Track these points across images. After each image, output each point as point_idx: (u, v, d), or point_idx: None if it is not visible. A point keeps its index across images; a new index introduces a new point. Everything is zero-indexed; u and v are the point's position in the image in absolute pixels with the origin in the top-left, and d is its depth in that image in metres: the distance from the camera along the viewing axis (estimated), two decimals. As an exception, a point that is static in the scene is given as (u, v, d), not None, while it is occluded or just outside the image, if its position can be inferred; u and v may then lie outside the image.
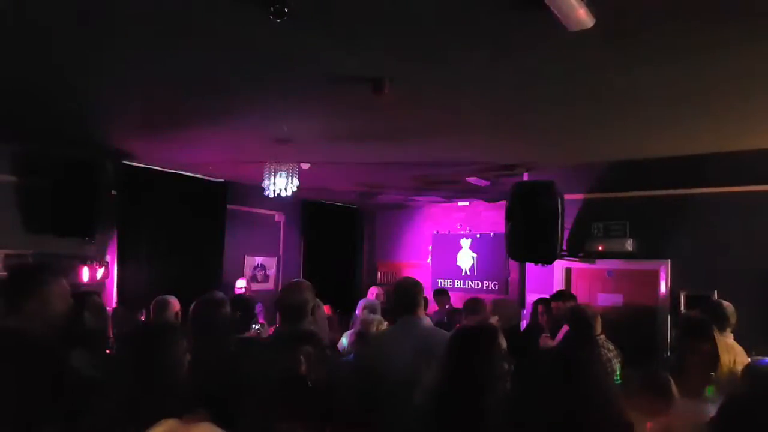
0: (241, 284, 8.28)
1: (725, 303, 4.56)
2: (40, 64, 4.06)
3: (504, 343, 2.87)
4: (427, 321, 3.75)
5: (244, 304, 5.31)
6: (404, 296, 3.80)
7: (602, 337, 4.66)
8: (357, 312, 5.48)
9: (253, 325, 5.14)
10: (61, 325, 2.73)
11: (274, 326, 6.42)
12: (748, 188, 6.09)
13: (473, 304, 6.19)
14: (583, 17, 2.92)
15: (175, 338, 2.42)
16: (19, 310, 2.62)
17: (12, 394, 2.37)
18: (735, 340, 4.39)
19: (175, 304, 4.77)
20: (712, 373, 3.38)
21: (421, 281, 3.98)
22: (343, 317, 7.84)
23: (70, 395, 2.42)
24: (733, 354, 4.09)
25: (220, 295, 3.91)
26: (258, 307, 6.63)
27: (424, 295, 3.91)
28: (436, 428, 2.65)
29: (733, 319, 4.46)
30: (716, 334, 3.55)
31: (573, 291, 6.82)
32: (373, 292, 8.02)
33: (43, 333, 2.64)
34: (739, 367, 3.96)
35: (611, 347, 4.58)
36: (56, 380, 2.47)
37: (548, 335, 5.60)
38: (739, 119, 4.97)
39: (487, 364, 2.72)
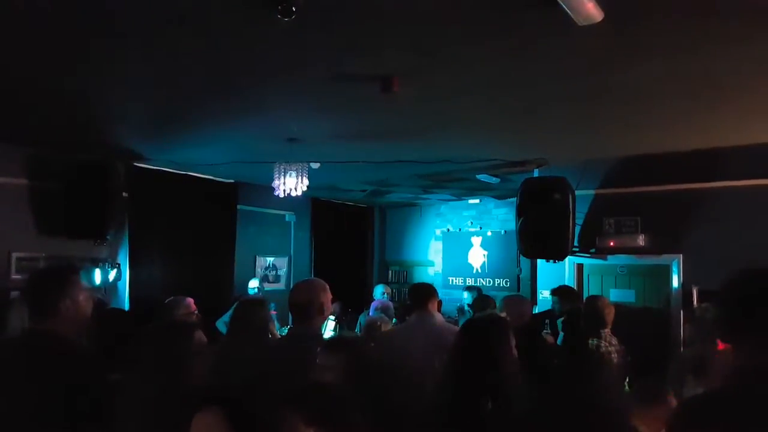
0: (254, 284, 8.29)
1: None
2: (50, 68, 4.09)
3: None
4: (439, 317, 3.83)
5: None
6: (417, 293, 3.92)
7: (606, 331, 4.66)
8: (370, 312, 5.49)
9: None
10: (87, 327, 2.75)
11: (289, 326, 6.41)
12: (760, 182, 6.04)
13: (482, 301, 6.20)
14: (592, 11, 2.91)
15: (186, 335, 2.42)
16: (53, 312, 2.62)
17: (48, 397, 2.39)
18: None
19: (189, 304, 4.76)
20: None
21: (428, 278, 4.09)
22: (354, 316, 7.84)
23: (101, 399, 2.43)
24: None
25: (260, 297, 3.95)
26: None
27: (439, 299, 4.02)
28: (448, 418, 2.70)
29: None
30: None
31: (585, 287, 6.80)
32: (379, 290, 8.03)
33: (76, 335, 2.66)
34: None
35: (614, 341, 4.59)
36: (89, 384, 2.48)
37: (549, 332, 5.56)
38: (751, 112, 4.93)
39: (499, 353, 2.81)
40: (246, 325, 3.67)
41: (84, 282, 2.80)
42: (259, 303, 3.86)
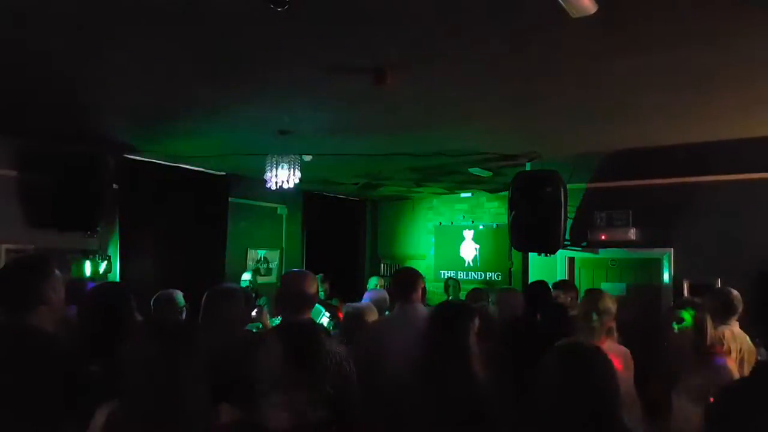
0: (246, 277, 8.25)
1: (733, 291, 4.52)
2: (41, 59, 4.05)
3: (477, 323, 3.06)
4: (421, 308, 3.79)
5: (244, 296, 5.27)
6: (401, 284, 3.86)
7: None
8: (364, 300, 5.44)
9: (252, 313, 5.13)
10: (62, 319, 2.72)
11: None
12: (751, 176, 6.06)
13: (475, 294, 6.19)
14: (586, 3, 2.90)
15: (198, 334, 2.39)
16: (28, 305, 2.57)
17: (34, 393, 2.36)
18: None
19: (180, 298, 4.73)
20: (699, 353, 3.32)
21: (421, 272, 4.03)
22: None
23: (86, 394, 2.41)
24: (739, 342, 4.08)
25: (233, 286, 3.87)
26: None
27: (423, 285, 3.96)
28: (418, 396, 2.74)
29: (740, 307, 4.43)
30: (708, 321, 3.48)
31: (576, 281, 6.80)
32: (373, 283, 7.97)
33: (56, 330, 2.62)
34: (746, 355, 3.94)
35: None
36: (72, 379, 2.46)
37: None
38: (743, 106, 4.95)
39: (458, 337, 2.94)
40: (217, 316, 3.56)
41: (59, 274, 2.74)
42: (229, 293, 3.75)
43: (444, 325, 3.04)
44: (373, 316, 4.56)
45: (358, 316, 4.52)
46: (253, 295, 7.44)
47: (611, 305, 3.80)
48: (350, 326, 4.44)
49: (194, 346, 2.07)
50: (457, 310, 3.22)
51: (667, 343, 3.54)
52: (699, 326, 3.35)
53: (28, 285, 2.59)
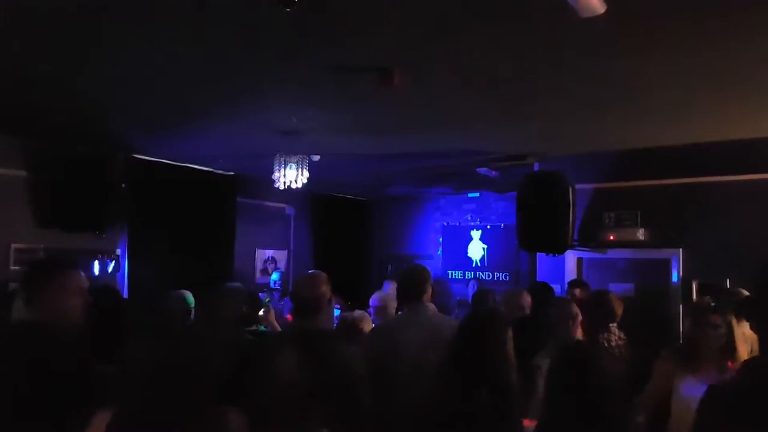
0: (275, 277, 8.20)
1: (744, 292, 4.50)
2: (51, 60, 4.07)
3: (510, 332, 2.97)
4: (433, 308, 3.74)
5: (251, 298, 5.28)
6: (410, 284, 3.78)
7: (614, 325, 4.65)
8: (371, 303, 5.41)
9: (260, 313, 5.13)
10: (77, 318, 2.73)
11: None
12: (761, 176, 6.04)
13: (480, 295, 6.18)
14: (595, 3, 2.89)
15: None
16: (34, 303, 2.62)
17: (30, 386, 2.37)
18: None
19: (190, 298, 4.74)
20: (729, 361, 3.31)
21: (428, 269, 3.98)
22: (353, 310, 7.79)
23: (89, 389, 2.42)
24: (749, 343, 4.05)
25: (234, 286, 3.84)
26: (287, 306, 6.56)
27: (432, 284, 3.90)
28: (443, 411, 2.70)
29: None
30: (734, 323, 3.48)
31: (584, 281, 6.79)
32: (387, 287, 7.93)
33: (58, 325, 2.64)
34: (758, 356, 3.92)
35: (622, 335, 4.58)
36: (74, 373, 2.47)
37: None
38: (752, 106, 4.92)
39: (494, 347, 2.85)
40: (212, 316, 3.55)
41: (77, 274, 2.76)
42: (230, 293, 3.73)
43: (474, 336, 2.95)
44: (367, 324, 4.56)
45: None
46: (277, 295, 7.45)
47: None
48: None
49: (192, 346, 2.07)
50: (488, 319, 3.13)
51: (691, 344, 3.55)
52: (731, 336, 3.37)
53: (35, 284, 2.64)
